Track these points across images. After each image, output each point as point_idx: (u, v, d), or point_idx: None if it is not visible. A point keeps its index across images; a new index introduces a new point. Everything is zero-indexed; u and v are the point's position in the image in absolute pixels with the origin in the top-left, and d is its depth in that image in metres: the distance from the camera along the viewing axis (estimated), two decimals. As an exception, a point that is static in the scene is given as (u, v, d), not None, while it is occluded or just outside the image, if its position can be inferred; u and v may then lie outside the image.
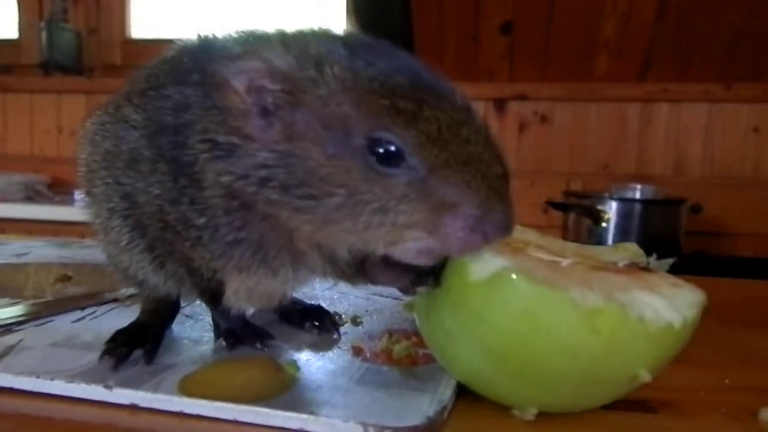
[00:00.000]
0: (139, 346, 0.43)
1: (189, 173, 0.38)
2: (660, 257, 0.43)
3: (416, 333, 0.42)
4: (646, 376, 0.36)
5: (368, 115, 0.34)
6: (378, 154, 0.34)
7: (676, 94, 1.96)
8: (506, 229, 0.35)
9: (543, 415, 0.38)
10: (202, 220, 0.39)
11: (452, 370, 0.39)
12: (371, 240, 0.36)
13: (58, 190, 2.16)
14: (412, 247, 0.36)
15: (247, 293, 0.43)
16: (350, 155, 0.35)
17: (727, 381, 0.46)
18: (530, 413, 0.37)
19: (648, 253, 0.44)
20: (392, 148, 0.34)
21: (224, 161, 0.37)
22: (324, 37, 0.38)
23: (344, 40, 0.37)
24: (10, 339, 0.45)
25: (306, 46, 0.37)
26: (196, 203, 0.39)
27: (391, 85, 0.35)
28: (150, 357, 0.42)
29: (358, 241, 0.37)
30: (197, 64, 0.40)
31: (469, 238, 0.34)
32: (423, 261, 0.37)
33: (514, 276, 0.34)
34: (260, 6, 2.07)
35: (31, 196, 2.09)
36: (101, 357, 0.41)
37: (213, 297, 0.44)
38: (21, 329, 0.48)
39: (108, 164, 0.43)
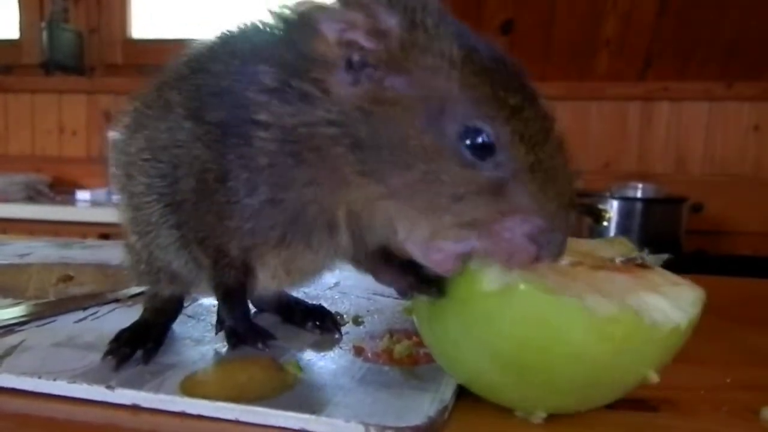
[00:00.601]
0: (141, 345, 0.43)
1: (238, 130, 0.37)
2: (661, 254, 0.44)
3: (417, 333, 0.43)
4: (654, 378, 0.36)
5: (472, 100, 0.33)
6: (471, 142, 0.33)
7: (676, 92, 1.95)
8: (559, 252, 0.34)
9: (543, 413, 0.38)
10: (244, 175, 0.37)
11: (456, 374, 0.39)
12: (423, 226, 0.34)
13: (60, 190, 2.16)
14: (451, 247, 0.34)
15: (285, 268, 0.42)
16: (441, 134, 0.33)
17: (728, 379, 0.46)
18: (539, 417, 0.37)
19: (648, 250, 0.44)
20: (486, 139, 0.33)
21: (292, 107, 0.35)
22: (432, 4, 0.35)
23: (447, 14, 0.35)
24: (12, 339, 0.45)
25: (414, 9, 0.34)
26: (242, 157, 0.37)
27: (499, 76, 0.33)
28: (149, 356, 0.42)
29: (408, 224, 0.35)
30: (263, 31, 0.39)
31: (525, 247, 0.33)
32: (445, 266, 0.35)
33: (526, 286, 0.34)
34: (262, 8, 2.06)
35: (33, 196, 2.09)
36: (104, 357, 0.41)
37: (227, 289, 0.44)
38: (23, 329, 0.48)
39: (147, 147, 0.43)
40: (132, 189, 0.45)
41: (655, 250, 0.43)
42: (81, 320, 0.51)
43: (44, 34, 2.24)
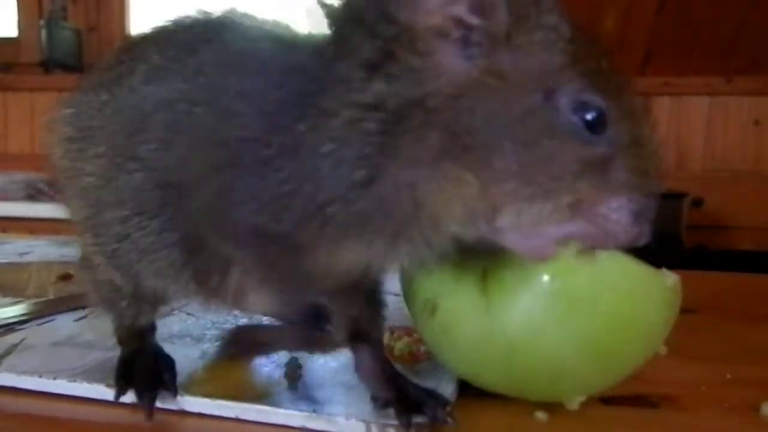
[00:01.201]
0: (160, 382, 0.38)
1: (310, 100, 0.32)
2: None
3: (417, 330, 0.42)
4: (664, 350, 0.40)
5: (584, 74, 0.31)
6: (585, 118, 0.31)
7: (676, 87, 1.95)
8: (649, 231, 0.33)
9: (544, 409, 0.38)
10: (327, 147, 0.31)
11: (478, 370, 0.38)
12: (525, 211, 0.32)
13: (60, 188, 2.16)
14: (552, 232, 0.32)
15: (330, 265, 0.35)
16: (554, 111, 0.31)
17: (728, 375, 0.45)
18: (577, 402, 0.38)
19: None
20: (600, 114, 0.31)
21: (396, 82, 0.31)
22: None
23: None
24: (12, 338, 0.45)
25: None
26: (318, 129, 0.32)
27: (602, 49, 0.33)
28: (174, 387, 0.38)
29: (508, 211, 0.32)
30: None
31: (630, 228, 0.32)
32: (545, 252, 0.33)
33: (623, 260, 0.35)
34: (259, 4, 2.06)
35: (33, 194, 2.09)
36: (137, 404, 0.37)
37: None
38: (23, 328, 0.48)
39: (117, 142, 0.38)
40: (92, 178, 0.39)
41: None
42: (81, 319, 0.51)
43: (43, 33, 2.24)
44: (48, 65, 2.26)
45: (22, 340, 0.45)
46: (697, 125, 1.97)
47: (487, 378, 0.38)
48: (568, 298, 0.35)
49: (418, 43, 0.31)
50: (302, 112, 0.32)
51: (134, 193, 0.37)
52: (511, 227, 0.32)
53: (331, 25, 0.33)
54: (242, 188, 0.33)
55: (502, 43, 0.31)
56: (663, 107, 1.97)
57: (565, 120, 0.31)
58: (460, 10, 0.31)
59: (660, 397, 0.41)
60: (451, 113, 0.31)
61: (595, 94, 0.31)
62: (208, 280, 0.38)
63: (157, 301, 0.42)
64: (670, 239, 1.57)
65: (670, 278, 0.37)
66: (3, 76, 2.33)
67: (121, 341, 0.43)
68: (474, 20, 0.31)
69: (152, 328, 0.44)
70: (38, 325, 0.49)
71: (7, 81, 2.33)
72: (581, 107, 0.31)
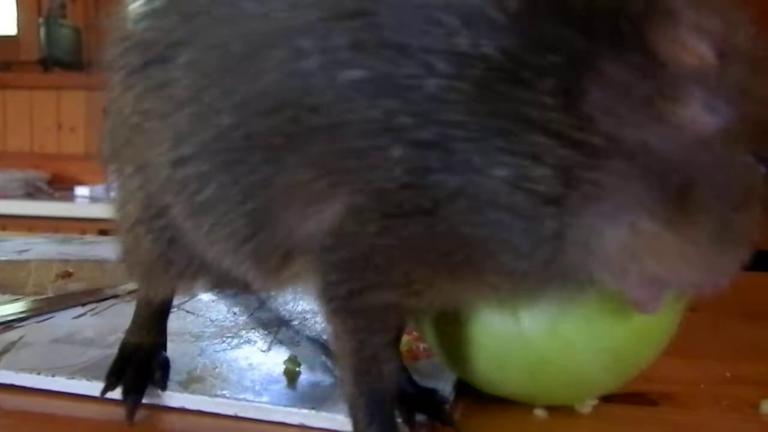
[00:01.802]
0: (149, 378, 0.38)
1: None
2: None
3: (417, 329, 0.42)
4: None
5: None
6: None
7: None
8: None
9: (544, 407, 0.38)
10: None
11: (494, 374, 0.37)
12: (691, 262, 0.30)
13: (58, 186, 2.16)
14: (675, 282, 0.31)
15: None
16: (757, 171, 0.29)
17: (728, 374, 0.45)
18: (590, 405, 0.39)
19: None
20: None
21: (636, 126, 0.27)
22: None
23: None
24: (11, 335, 0.45)
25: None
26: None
27: None
28: (164, 382, 0.38)
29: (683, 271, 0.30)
30: None
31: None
32: (653, 306, 0.32)
33: None
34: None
35: (32, 192, 2.09)
36: (123, 400, 0.36)
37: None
38: (22, 326, 0.48)
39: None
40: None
41: None
42: (80, 316, 0.51)
43: (42, 31, 2.23)
44: (47, 63, 2.26)
45: (21, 337, 0.45)
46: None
47: (508, 387, 0.38)
48: (595, 310, 0.35)
49: (676, 86, 0.27)
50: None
51: (226, 142, 0.31)
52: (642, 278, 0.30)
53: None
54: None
55: (735, 93, 0.28)
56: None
57: (760, 179, 0.29)
58: (703, 46, 0.27)
59: (659, 394, 0.41)
60: (674, 166, 0.27)
61: None
62: (268, 260, 0.33)
63: (204, 274, 0.37)
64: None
65: None
66: (2, 75, 2.33)
67: (132, 330, 0.41)
68: (713, 59, 0.27)
69: (167, 313, 0.42)
70: (37, 322, 0.49)
71: (6, 79, 2.32)
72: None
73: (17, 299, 0.55)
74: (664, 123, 0.27)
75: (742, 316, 0.62)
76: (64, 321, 0.49)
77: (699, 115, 0.27)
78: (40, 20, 2.25)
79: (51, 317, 0.50)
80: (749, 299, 0.70)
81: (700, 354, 0.49)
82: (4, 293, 0.58)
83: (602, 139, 0.27)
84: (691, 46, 0.27)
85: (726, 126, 0.27)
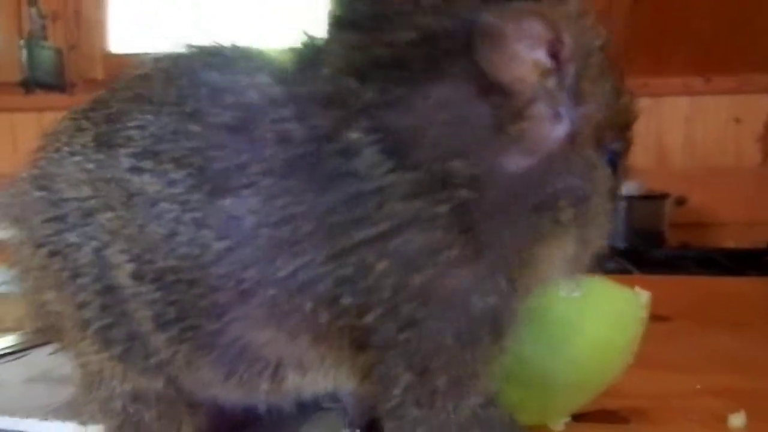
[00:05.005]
0: None
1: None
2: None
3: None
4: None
5: (624, 125, 0.31)
6: (616, 164, 0.31)
7: (655, 88, 1.97)
8: None
9: None
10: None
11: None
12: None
13: (44, 208, 2.15)
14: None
15: None
16: (602, 162, 0.30)
17: (698, 386, 0.46)
18: (563, 422, 0.39)
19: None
20: (619, 158, 0.31)
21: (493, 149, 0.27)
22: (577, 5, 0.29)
23: None
24: (-15, 376, 0.45)
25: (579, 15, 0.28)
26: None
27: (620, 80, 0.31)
28: None
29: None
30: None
31: None
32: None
33: (607, 285, 0.38)
34: (240, 21, 2.06)
35: (17, 215, 2.08)
36: None
37: None
38: (-2, 364, 0.48)
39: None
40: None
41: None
42: (56, 351, 0.51)
43: (23, 53, 2.23)
44: (29, 85, 2.25)
45: (-4, 377, 0.45)
46: (677, 125, 1.99)
47: None
48: (558, 328, 0.36)
49: (510, 103, 0.26)
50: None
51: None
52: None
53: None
54: None
55: (580, 93, 0.28)
56: (643, 108, 1.99)
57: (606, 168, 0.30)
58: (540, 53, 0.26)
59: (630, 411, 0.42)
60: (533, 182, 0.28)
61: (626, 143, 0.32)
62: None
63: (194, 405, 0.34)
64: (653, 240, 1.59)
65: (643, 296, 0.40)
66: (-17, 98, 2.32)
67: None
68: (552, 65, 0.27)
69: None
70: (13, 360, 0.49)
71: (-13, 102, 2.32)
72: (617, 155, 0.31)
73: (-6, 336, 0.55)
74: (514, 144, 0.27)
75: (719, 325, 0.63)
76: (39, 358, 0.49)
77: (546, 128, 0.27)
78: (21, 42, 2.24)
79: (27, 354, 0.50)
80: (727, 306, 0.71)
81: (671, 366, 0.49)
82: (-20, 330, 0.57)
83: (464, 175, 0.26)
84: (523, 59, 0.26)
85: (573, 130, 0.28)
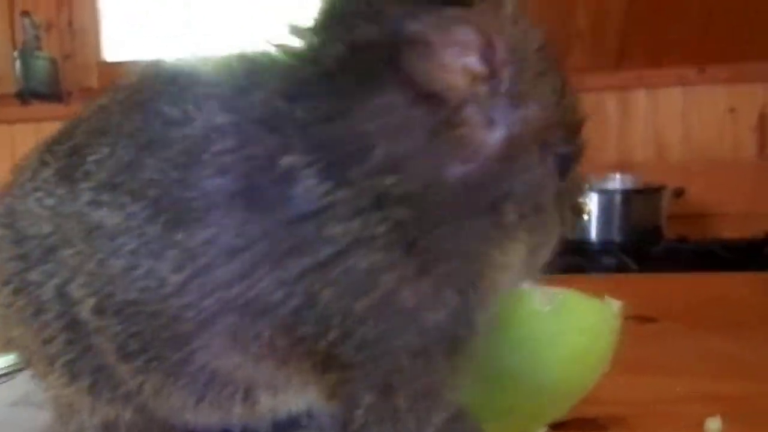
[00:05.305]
0: None
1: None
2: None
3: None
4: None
5: (572, 127, 0.31)
6: (563, 169, 0.31)
7: (650, 80, 1.96)
8: None
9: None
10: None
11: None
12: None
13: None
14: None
15: None
16: (550, 169, 0.30)
17: (678, 389, 0.46)
18: None
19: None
20: (570, 166, 0.31)
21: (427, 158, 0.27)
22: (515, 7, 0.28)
23: None
24: (-29, 401, 0.46)
25: (514, 20, 0.28)
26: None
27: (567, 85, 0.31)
28: None
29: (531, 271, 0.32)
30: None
31: None
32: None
33: (578, 297, 0.38)
34: (233, 27, 2.06)
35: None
36: None
37: None
38: (-17, 389, 0.48)
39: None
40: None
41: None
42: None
43: (18, 64, 2.24)
44: (24, 96, 2.26)
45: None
46: (673, 116, 1.98)
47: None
48: (532, 342, 0.37)
49: (451, 111, 0.26)
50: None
51: None
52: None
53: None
54: None
55: (519, 97, 0.28)
56: (639, 100, 1.98)
57: (552, 171, 0.30)
58: (472, 60, 0.26)
59: (608, 418, 0.42)
60: (487, 194, 0.28)
61: (576, 146, 0.31)
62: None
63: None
64: (650, 234, 1.58)
65: (615, 305, 0.39)
66: (-20, 110, 2.33)
67: None
68: (484, 70, 0.27)
69: None
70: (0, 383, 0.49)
71: (-16, 115, 2.32)
72: (561, 159, 0.30)
73: (-19, 359, 0.55)
74: (450, 151, 0.27)
75: (707, 325, 0.62)
76: (23, 380, 0.50)
77: (481, 133, 0.27)
78: (15, 53, 2.25)
79: (13, 377, 0.50)
80: (718, 306, 0.71)
81: (653, 369, 0.49)
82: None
83: (398, 193, 0.26)
84: (451, 66, 0.26)
85: (512, 133, 0.28)
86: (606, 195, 1.64)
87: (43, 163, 0.32)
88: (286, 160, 0.26)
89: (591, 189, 1.66)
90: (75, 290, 0.29)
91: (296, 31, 0.28)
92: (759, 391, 0.46)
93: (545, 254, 0.32)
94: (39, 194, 0.31)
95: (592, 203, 1.60)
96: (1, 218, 0.32)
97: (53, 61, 2.33)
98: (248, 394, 0.31)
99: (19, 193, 0.32)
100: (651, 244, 1.51)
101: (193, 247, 0.27)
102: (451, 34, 0.25)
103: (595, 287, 0.38)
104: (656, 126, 1.99)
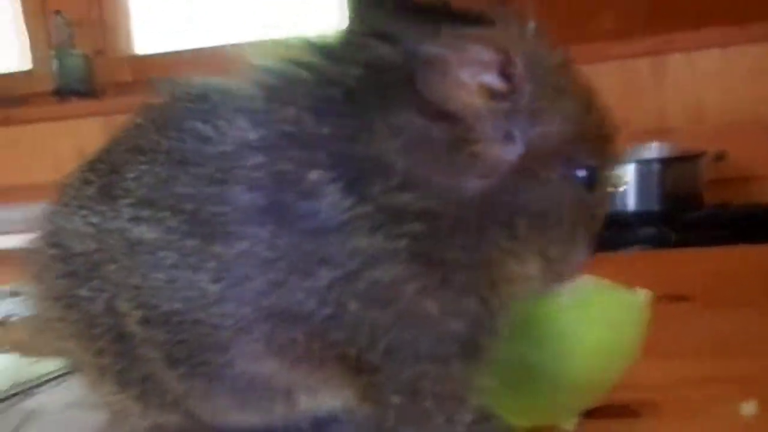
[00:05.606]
0: None
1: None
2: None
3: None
4: None
5: (598, 141, 0.31)
6: (590, 183, 0.31)
7: (684, 42, 1.90)
8: None
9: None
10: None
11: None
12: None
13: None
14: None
15: None
16: (574, 184, 0.30)
17: (708, 372, 0.46)
18: (573, 423, 0.40)
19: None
20: (595, 177, 0.31)
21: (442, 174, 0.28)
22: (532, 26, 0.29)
23: None
24: (29, 404, 0.48)
25: (533, 37, 0.29)
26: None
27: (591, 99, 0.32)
28: None
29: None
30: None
31: None
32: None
33: (604, 289, 0.38)
34: (264, 19, 2.07)
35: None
36: None
37: None
38: (40, 392, 0.51)
39: None
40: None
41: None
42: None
43: (54, 62, 2.29)
44: (61, 93, 2.31)
45: (37, 405, 0.47)
46: (711, 78, 1.92)
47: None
48: (560, 336, 0.37)
49: (459, 126, 0.27)
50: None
51: None
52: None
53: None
54: None
55: (535, 113, 0.29)
56: (673, 64, 1.93)
57: (581, 188, 0.31)
58: (492, 78, 0.27)
59: (640, 403, 0.42)
60: (503, 209, 0.29)
61: (597, 163, 0.31)
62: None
63: None
64: (690, 201, 1.55)
65: (642, 295, 0.40)
66: (21, 110, 2.40)
67: None
68: (504, 87, 0.27)
69: None
70: (54, 386, 0.52)
71: (24, 114, 2.39)
72: (587, 172, 0.31)
73: (37, 362, 0.57)
74: (467, 168, 0.28)
75: (740, 303, 0.61)
76: (77, 383, 0.52)
77: (497, 150, 0.28)
78: (52, 52, 2.30)
79: (66, 380, 0.52)
80: (755, 281, 0.68)
81: (685, 351, 0.49)
82: (24, 355, 0.60)
83: (415, 209, 0.27)
84: (467, 85, 0.27)
85: (530, 148, 0.28)
86: (643, 165, 1.60)
87: (87, 182, 0.34)
88: (313, 175, 0.28)
89: (627, 159, 1.63)
90: (122, 304, 0.31)
91: (319, 50, 0.29)
92: (798, 372, 0.45)
93: (570, 265, 0.32)
94: (84, 212, 0.33)
95: (629, 174, 1.57)
96: (49, 237, 0.34)
97: (86, 58, 2.38)
98: (289, 396, 0.33)
99: (66, 212, 0.34)
100: (691, 211, 1.48)
101: (230, 259, 0.29)
102: (468, 53, 0.26)
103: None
104: (694, 89, 1.93)
